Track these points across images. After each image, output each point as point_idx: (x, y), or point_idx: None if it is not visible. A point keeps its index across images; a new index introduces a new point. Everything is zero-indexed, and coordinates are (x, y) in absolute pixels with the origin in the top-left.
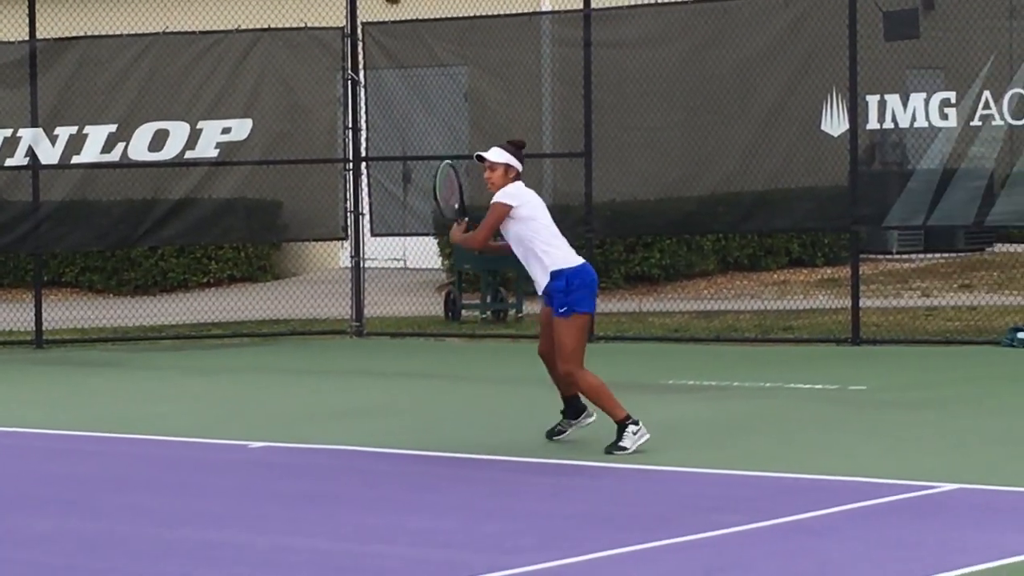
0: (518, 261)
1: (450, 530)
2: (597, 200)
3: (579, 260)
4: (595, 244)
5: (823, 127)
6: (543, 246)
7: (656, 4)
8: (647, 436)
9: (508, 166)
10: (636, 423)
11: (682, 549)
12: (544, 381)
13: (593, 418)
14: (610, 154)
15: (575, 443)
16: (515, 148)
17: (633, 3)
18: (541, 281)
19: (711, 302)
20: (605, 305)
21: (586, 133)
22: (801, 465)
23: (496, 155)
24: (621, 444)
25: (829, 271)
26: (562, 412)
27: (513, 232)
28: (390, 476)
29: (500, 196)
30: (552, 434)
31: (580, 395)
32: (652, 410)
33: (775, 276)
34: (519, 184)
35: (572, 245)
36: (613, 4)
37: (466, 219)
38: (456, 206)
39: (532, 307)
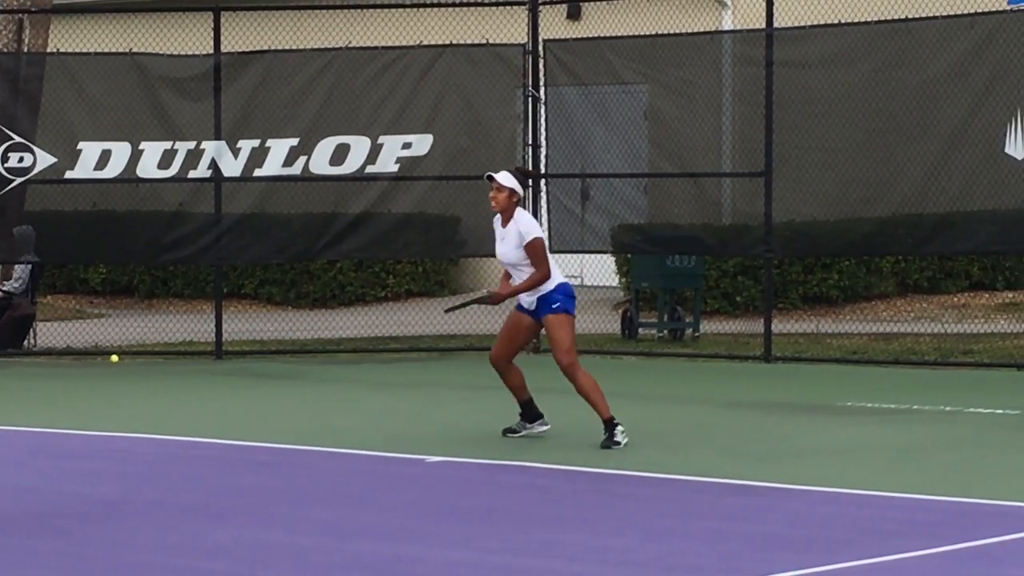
0: (697, 280)
1: (627, 548)
2: (776, 220)
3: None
4: (773, 264)
5: (1006, 150)
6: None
7: (839, 24)
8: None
9: (513, 191)
10: (619, 424)
11: (863, 573)
12: (725, 403)
13: (548, 427)
14: (790, 174)
15: (753, 463)
16: (523, 176)
17: (815, 23)
18: (534, 300)
19: (890, 324)
20: (783, 325)
21: (766, 153)
22: (982, 490)
23: (506, 179)
24: (616, 439)
25: (1010, 295)
26: (520, 415)
27: (521, 256)
28: (566, 493)
29: (535, 231)
30: (507, 432)
31: (533, 401)
32: (830, 432)
33: (955, 299)
34: (526, 211)
35: (750, 265)
36: (795, 23)
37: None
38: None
39: (710, 326)
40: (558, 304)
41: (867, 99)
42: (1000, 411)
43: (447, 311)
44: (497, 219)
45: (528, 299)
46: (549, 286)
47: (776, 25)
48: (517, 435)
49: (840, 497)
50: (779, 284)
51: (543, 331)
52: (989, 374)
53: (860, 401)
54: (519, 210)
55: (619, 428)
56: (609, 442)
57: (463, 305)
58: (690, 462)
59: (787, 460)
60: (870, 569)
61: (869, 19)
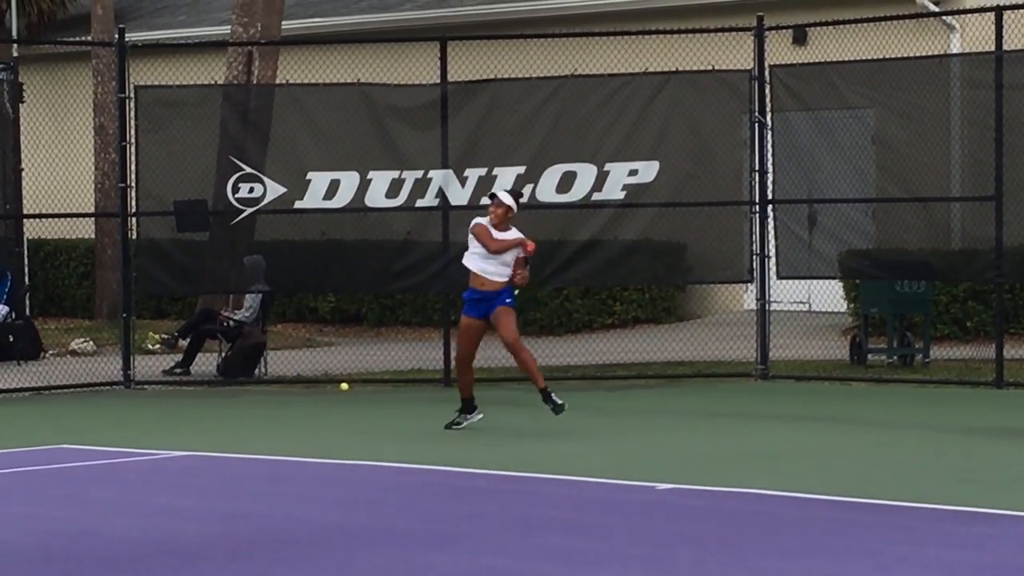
0: (927, 305)
1: (860, 575)
2: (1007, 244)
3: None
4: (1004, 289)
5: None
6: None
7: None
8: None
9: (509, 207)
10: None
11: None
12: (957, 429)
13: (482, 416)
14: (1021, 197)
15: (986, 490)
16: (517, 196)
17: None
18: (495, 289)
19: None
20: (1015, 351)
21: (996, 176)
22: None
23: (506, 198)
24: (555, 400)
25: None
26: (459, 410)
27: (508, 256)
28: (798, 521)
29: (516, 233)
30: (450, 425)
31: (473, 397)
32: None
33: None
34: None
35: (981, 290)
36: None
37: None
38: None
39: (940, 352)
40: (511, 300)
41: None
42: None
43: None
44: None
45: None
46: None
47: (1005, 47)
48: (460, 427)
49: None
50: (1010, 309)
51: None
52: None
53: None
54: (513, 228)
55: (554, 395)
56: (555, 407)
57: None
58: (922, 489)
59: (1021, 487)
60: None
61: None
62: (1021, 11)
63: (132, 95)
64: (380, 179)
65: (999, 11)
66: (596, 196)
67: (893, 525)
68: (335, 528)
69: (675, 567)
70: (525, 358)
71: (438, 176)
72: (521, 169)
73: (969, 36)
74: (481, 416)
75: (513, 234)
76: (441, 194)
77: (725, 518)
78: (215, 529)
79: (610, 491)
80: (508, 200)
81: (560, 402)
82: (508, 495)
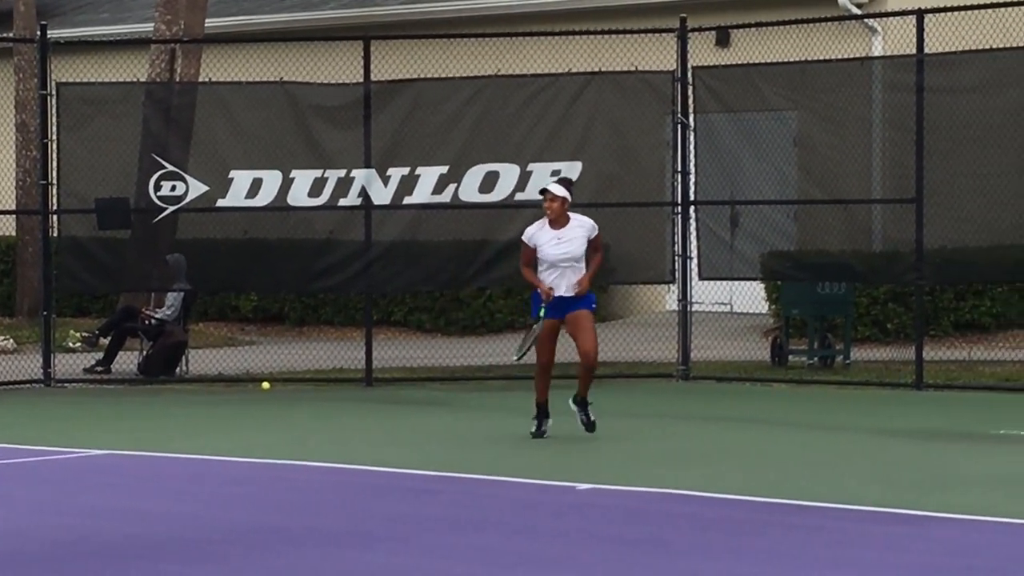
0: (847, 307)
1: None
2: (928, 247)
3: None
4: (925, 291)
5: None
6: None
7: (990, 50)
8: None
9: (565, 199)
10: None
11: None
12: (876, 431)
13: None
14: (941, 200)
15: (906, 492)
16: (569, 184)
17: (966, 48)
18: (571, 291)
19: None
20: (934, 353)
21: (917, 179)
22: None
23: (558, 190)
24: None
25: None
26: (546, 415)
27: (583, 251)
28: (718, 521)
29: (597, 229)
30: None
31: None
32: (983, 460)
33: None
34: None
35: (901, 292)
36: (946, 49)
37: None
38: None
39: (860, 354)
40: (595, 304)
41: (1020, 124)
42: None
43: (519, 358)
44: (544, 228)
45: (572, 290)
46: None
47: (927, 51)
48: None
49: (995, 526)
50: (930, 311)
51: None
52: None
53: (1013, 429)
54: (572, 213)
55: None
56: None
57: (532, 344)
58: (842, 490)
59: (940, 488)
60: None
61: (1021, 44)
62: (942, 15)
63: (54, 92)
64: (303, 178)
65: (920, 14)
66: (519, 196)
67: (813, 526)
68: (256, 527)
69: (595, 567)
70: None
71: (361, 175)
72: (444, 169)
73: (891, 39)
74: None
75: (567, 236)
76: (364, 193)
77: (645, 518)
78: (135, 528)
79: (531, 491)
80: (561, 192)
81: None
82: (431, 495)
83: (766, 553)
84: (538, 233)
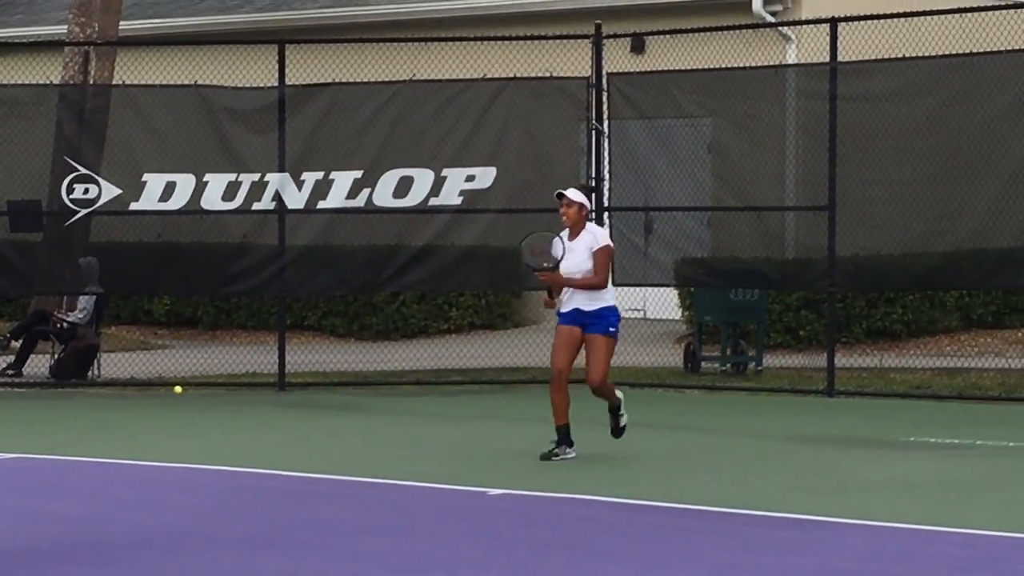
0: (760, 314)
1: None
2: (840, 254)
3: None
4: (837, 298)
5: None
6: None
7: (903, 59)
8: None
9: (582, 205)
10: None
11: None
12: (788, 437)
13: (575, 454)
14: (854, 208)
15: (815, 498)
16: (588, 191)
17: (880, 57)
18: (594, 306)
19: (953, 359)
20: (846, 360)
21: (830, 187)
22: None
23: (575, 195)
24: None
25: None
26: (554, 441)
27: (589, 264)
28: (626, 526)
29: (605, 240)
30: (545, 457)
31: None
32: (893, 466)
33: (1019, 334)
34: (595, 224)
35: (814, 299)
36: (859, 58)
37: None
38: (545, 264)
39: (772, 360)
40: (614, 330)
41: (932, 133)
42: None
43: (527, 258)
44: (564, 235)
45: (589, 306)
46: (608, 299)
47: (840, 59)
48: (558, 458)
49: (902, 532)
50: (842, 318)
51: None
52: None
53: (923, 436)
54: (589, 223)
55: (624, 414)
56: (619, 430)
57: (536, 267)
58: (751, 496)
59: (849, 494)
60: None
61: (934, 53)
62: (856, 23)
63: None
64: (216, 181)
65: (834, 23)
66: (433, 201)
67: (724, 531)
68: (166, 531)
69: (505, 572)
70: (609, 391)
71: (275, 179)
72: (358, 173)
73: (805, 47)
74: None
75: (575, 247)
76: (278, 197)
77: (556, 523)
78: (46, 532)
79: (443, 496)
80: (578, 197)
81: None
82: (343, 500)
83: (677, 559)
84: (560, 241)
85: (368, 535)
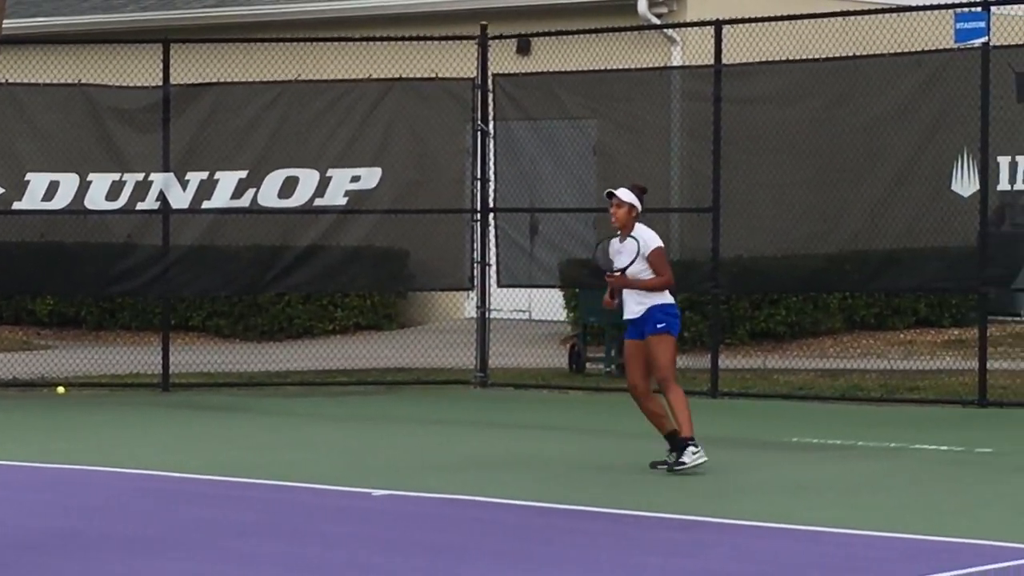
0: None
1: None
2: (724, 256)
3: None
4: (721, 300)
5: (953, 187)
6: None
7: (787, 61)
8: (705, 459)
9: (632, 206)
10: (696, 445)
11: None
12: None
13: (704, 459)
14: (738, 210)
15: (699, 499)
16: (640, 191)
17: (764, 59)
18: (639, 311)
19: (836, 360)
20: (729, 361)
21: (714, 188)
22: (926, 526)
23: (625, 195)
24: (682, 460)
25: (956, 332)
26: (669, 451)
27: (641, 266)
28: (512, 528)
29: (656, 241)
30: (656, 464)
31: (676, 431)
32: (776, 468)
33: (902, 336)
34: (644, 226)
35: (697, 300)
36: (744, 60)
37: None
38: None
39: None
40: (662, 325)
41: (815, 135)
42: (945, 448)
43: (599, 258)
44: (616, 237)
45: (635, 312)
46: (655, 298)
47: (725, 61)
48: (684, 467)
49: (785, 533)
50: (726, 320)
51: None
52: (934, 411)
53: (806, 437)
54: (638, 224)
55: (691, 448)
56: (675, 464)
57: (604, 267)
58: (636, 497)
59: (733, 495)
60: None
61: (817, 56)
62: (740, 26)
63: None
64: (100, 181)
65: (718, 25)
66: (318, 202)
67: (609, 532)
68: (49, 533)
69: (387, 573)
70: (676, 394)
71: (159, 179)
72: (243, 173)
73: (690, 49)
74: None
75: (623, 249)
76: (162, 197)
77: (440, 525)
78: None
79: (328, 497)
80: (628, 197)
81: (684, 462)
82: (227, 501)
83: (561, 560)
84: (611, 244)
85: (252, 536)
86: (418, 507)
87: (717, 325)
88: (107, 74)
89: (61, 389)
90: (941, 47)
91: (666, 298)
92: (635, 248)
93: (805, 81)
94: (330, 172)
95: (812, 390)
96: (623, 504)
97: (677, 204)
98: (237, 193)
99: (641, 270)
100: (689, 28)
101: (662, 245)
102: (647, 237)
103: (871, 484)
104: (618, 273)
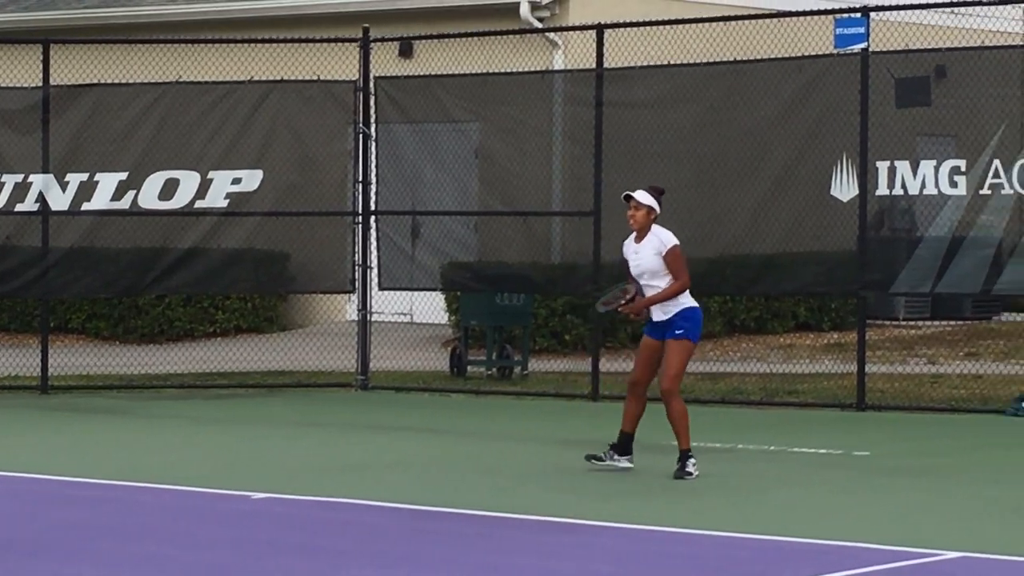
0: (526, 318)
1: None
2: (605, 259)
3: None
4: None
5: (832, 192)
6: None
7: (668, 65)
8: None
9: (651, 208)
10: (694, 457)
11: None
12: (553, 441)
13: (631, 466)
14: (619, 213)
15: (578, 501)
16: (658, 193)
17: (645, 63)
18: (666, 316)
19: (717, 364)
20: (612, 364)
21: (595, 192)
22: (803, 529)
23: (643, 197)
24: (688, 470)
25: (835, 336)
26: (611, 445)
27: (659, 265)
28: (390, 531)
29: (672, 241)
30: (590, 457)
31: (633, 436)
32: (655, 471)
33: (781, 340)
34: (662, 227)
35: (579, 303)
36: (625, 64)
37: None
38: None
39: (538, 364)
40: (681, 331)
41: (696, 140)
42: (824, 451)
43: (601, 309)
44: (631, 239)
45: (662, 316)
46: (681, 303)
47: (606, 65)
48: (600, 464)
49: (660, 535)
50: (608, 324)
51: None
52: (814, 414)
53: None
54: (655, 226)
55: (691, 460)
56: (681, 472)
57: (614, 307)
58: (516, 499)
59: (614, 498)
60: None
61: (699, 60)
62: (622, 30)
63: None
64: None
65: (600, 29)
66: (199, 204)
67: (487, 535)
68: None
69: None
70: (678, 406)
71: (38, 180)
72: (124, 175)
73: (572, 53)
74: (630, 466)
75: (641, 250)
76: (41, 199)
77: (319, 528)
78: None
79: (206, 500)
80: (647, 200)
81: (691, 472)
82: (106, 503)
83: (439, 562)
84: (626, 245)
85: (128, 540)
86: (297, 510)
87: (598, 328)
88: None
89: None
90: (822, 52)
91: (689, 302)
92: (653, 246)
93: (686, 85)
94: (211, 174)
95: (692, 393)
96: (503, 507)
97: (559, 207)
98: (117, 195)
99: (657, 270)
100: (571, 32)
101: (678, 243)
102: (664, 238)
103: (750, 486)
104: (630, 297)
